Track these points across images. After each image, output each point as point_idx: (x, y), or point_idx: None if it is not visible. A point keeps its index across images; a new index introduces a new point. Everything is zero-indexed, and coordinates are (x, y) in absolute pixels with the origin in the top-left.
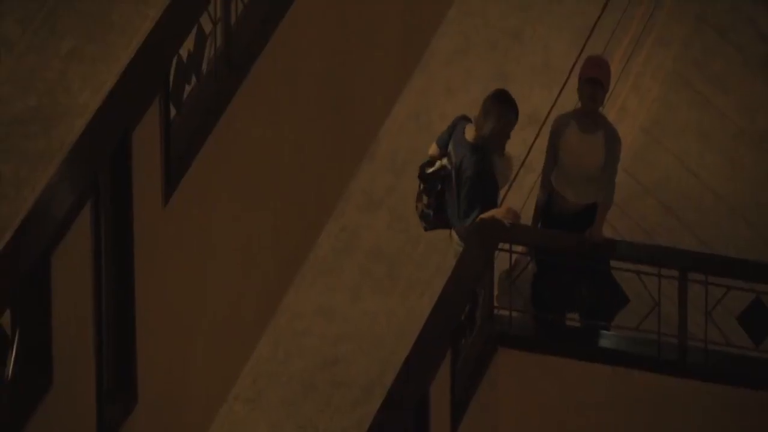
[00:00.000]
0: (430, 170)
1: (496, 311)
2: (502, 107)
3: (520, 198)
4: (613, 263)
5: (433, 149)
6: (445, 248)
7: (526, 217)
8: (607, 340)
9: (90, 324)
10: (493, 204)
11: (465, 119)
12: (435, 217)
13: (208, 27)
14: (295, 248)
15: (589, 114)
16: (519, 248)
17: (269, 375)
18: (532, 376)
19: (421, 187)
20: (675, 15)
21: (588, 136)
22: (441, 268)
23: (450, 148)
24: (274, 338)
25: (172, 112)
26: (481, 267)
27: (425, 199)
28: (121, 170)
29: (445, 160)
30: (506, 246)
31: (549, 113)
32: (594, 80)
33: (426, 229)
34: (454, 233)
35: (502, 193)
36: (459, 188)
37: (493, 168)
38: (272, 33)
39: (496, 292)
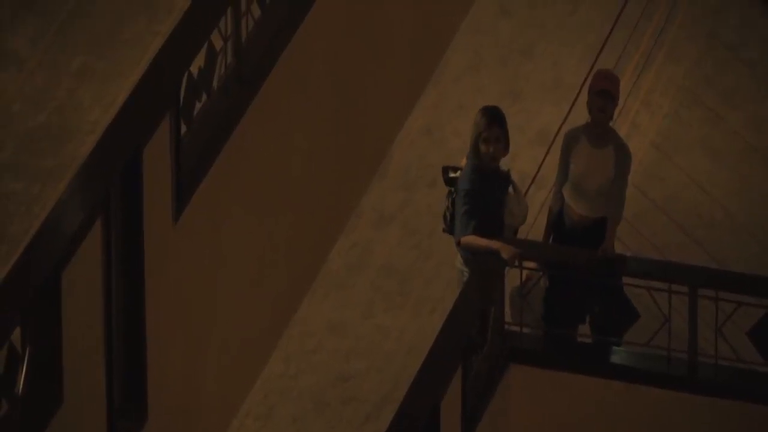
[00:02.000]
0: (452, 175)
1: (507, 327)
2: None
3: (531, 214)
4: (624, 279)
5: (463, 161)
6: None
7: (538, 234)
8: (617, 355)
9: (101, 340)
10: (493, 227)
11: None
12: (451, 223)
13: (218, 44)
14: (307, 264)
15: (600, 128)
16: (530, 264)
17: (280, 391)
18: (542, 392)
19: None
20: (686, 31)
21: (598, 150)
22: (452, 284)
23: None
24: (285, 354)
25: (183, 128)
26: (492, 282)
27: (447, 201)
28: (132, 187)
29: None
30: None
31: (559, 130)
32: (604, 92)
33: (444, 231)
34: (459, 255)
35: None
36: (456, 208)
37: (502, 193)
38: (283, 49)
39: (507, 308)
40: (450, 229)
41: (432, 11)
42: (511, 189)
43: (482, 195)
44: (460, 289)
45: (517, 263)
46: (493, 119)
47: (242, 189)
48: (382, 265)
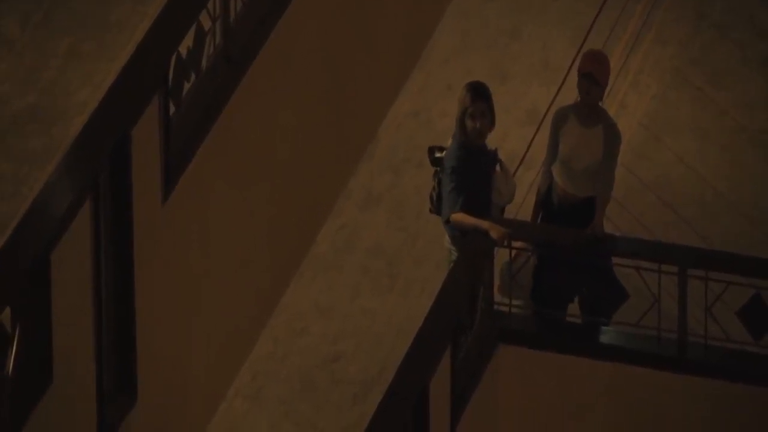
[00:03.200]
0: (438, 155)
1: (496, 307)
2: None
3: (519, 194)
4: (613, 259)
5: (450, 142)
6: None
7: (526, 214)
8: (607, 336)
9: (90, 322)
10: (480, 205)
11: None
12: (438, 203)
13: (207, 24)
14: (295, 246)
15: (589, 107)
16: (519, 244)
17: (268, 372)
18: (532, 372)
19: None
20: (674, 12)
21: (587, 129)
22: (440, 265)
23: None
24: (273, 336)
25: (172, 109)
26: (481, 262)
27: (433, 181)
28: (121, 168)
29: None
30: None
31: (547, 111)
32: (587, 75)
33: (431, 211)
34: (446, 235)
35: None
36: (442, 185)
37: (482, 168)
38: (271, 30)
39: (497, 284)
40: (437, 209)
41: None
42: (498, 167)
43: (469, 172)
44: (448, 268)
45: (506, 243)
46: (478, 94)
47: (230, 170)
48: (370, 246)
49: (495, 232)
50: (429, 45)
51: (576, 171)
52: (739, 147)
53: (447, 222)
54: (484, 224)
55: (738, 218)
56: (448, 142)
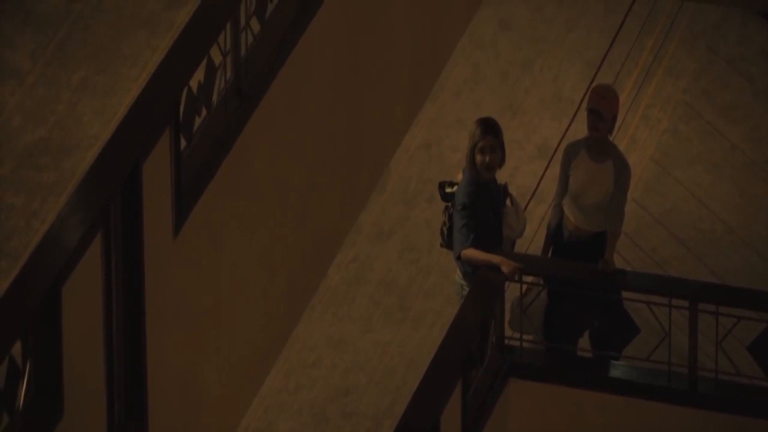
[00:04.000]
0: (449, 190)
1: (506, 341)
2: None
3: (530, 229)
4: (624, 293)
5: (459, 176)
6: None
7: (537, 248)
8: (617, 370)
9: (101, 354)
10: (491, 240)
11: None
12: (449, 238)
13: (218, 58)
14: (306, 279)
15: (598, 142)
16: (530, 278)
17: (280, 406)
18: (542, 406)
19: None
20: (685, 46)
21: (597, 164)
22: (451, 299)
23: None
24: (285, 369)
25: (183, 143)
26: (492, 297)
27: (444, 216)
28: (132, 201)
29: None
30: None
31: (559, 144)
32: (592, 111)
33: (442, 246)
34: (458, 270)
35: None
36: (453, 222)
37: (500, 204)
38: (282, 64)
39: (507, 319)
40: (448, 243)
41: (431, 26)
42: (508, 202)
43: (480, 208)
44: (459, 303)
45: (517, 277)
46: (488, 129)
47: (242, 204)
48: (381, 279)
49: (506, 266)
50: (441, 77)
51: (586, 206)
52: (749, 181)
53: (458, 258)
54: (495, 259)
55: (749, 252)
56: (459, 177)
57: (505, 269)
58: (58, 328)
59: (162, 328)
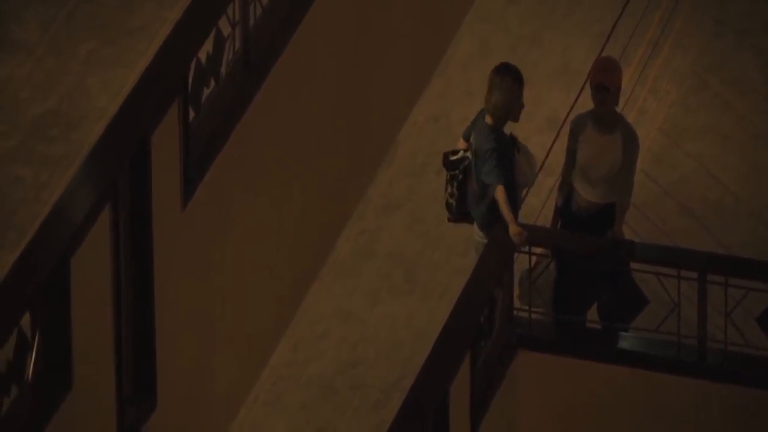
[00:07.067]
0: (453, 158)
1: (515, 313)
2: (501, 78)
3: (539, 201)
4: (633, 265)
5: (461, 143)
6: (464, 250)
7: (546, 220)
8: (626, 341)
9: (110, 326)
10: (512, 189)
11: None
12: (458, 208)
13: (226, 30)
14: (315, 251)
15: (607, 115)
16: (539, 250)
17: (288, 378)
18: (551, 378)
19: (448, 176)
20: (693, 19)
21: (605, 136)
22: (460, 271)
23: (471, 138)
24: (293, 341)
25: (191, 115)
26: (501, 269)
27: (449, 188)
28: (140, 173)
29: (468, 152)
30: (526, 247)
31: (567, 116)
32: (600, 86)
33: (449, 220)
34: (476, 227)
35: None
36: (477, 169)
37: (511, 154)
38: (291, 36)
39: (516, 293)
40: (456, 217)
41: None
42: (516, 151)
43: (504, 155)
44: (476, 257)
45: (526, 248)
46: (522, 82)
47: (250, 175)
48: (389, 252)
49: (513, 228)
50: (448, 51)
51: (595, 178)
52: (758, 152)
53: (487, 197)
54: (509, 216)
55: (758, 224)
56: (460, 144)
57: (511, 230)
58: (67, 301)
59: (170, 300)
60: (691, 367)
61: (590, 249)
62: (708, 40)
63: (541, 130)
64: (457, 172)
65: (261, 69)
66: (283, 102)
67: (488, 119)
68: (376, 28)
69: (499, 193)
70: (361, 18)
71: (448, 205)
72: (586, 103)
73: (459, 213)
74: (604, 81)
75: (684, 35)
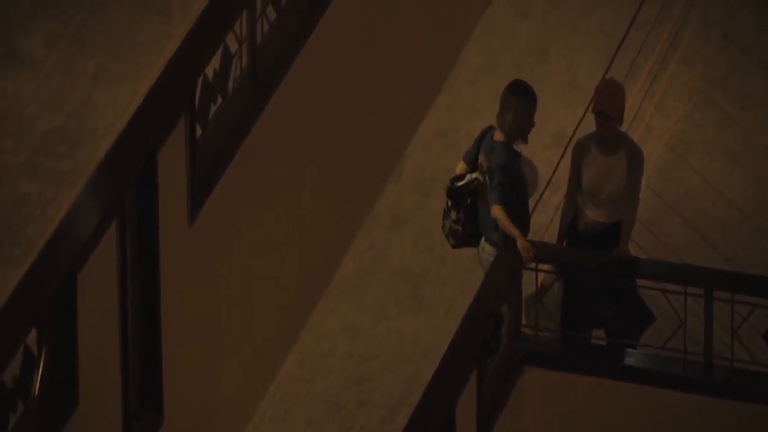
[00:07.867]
0: (460, 183)
1: (521, 330)
2: (516, 97)
3: (545, 217)
4: (639, 281)
5: (460, 167)
6: (471, 267)
7: (552, 237)
8: (633, 358)
9: (116, 342)
10: (524, 206)
11: (491, 128)
12: (464, 231)
13: (233, 46)
14: (321, 267)
15: (609, 137)
16: (546, 267)
17: (295, 394)
18: (558, 395)
19: (449, 203)
20: (700, 34)
21: (609, 157)
22: (467, 287)
23: (480, 159)
24: (300, 357)
25: (198, 131)
26: (507, 285)
27: (454, 214)
28: (147, 189)
29: (475, 174)
30: (533, 264)
31: (574, 132)
32: (599, 113)
33: (454, 246)
34: (484, 243)
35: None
36: (491, 186)
37: (520, 169)
38: (298, 51)
39: (523, 307)
40: (461, 242)
41: (447, 14)
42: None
43: (517, 172)
44: (484, 272)
45: (532, 266)
46: (536, 101)
47: (257, 192)
48: (396, 268)
49: (521, 242)
50: (456, 65)
51: (601, 199)
52: (764, 168)
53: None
54: (515, 231)
55: (763, 239)
56: (459, 168)
57: (519, 244)
58: (74, 317)
59: (177, 316)
60: (697, 383)
61: (596, 265)
62: (715, 55)
63: (547, 146)
64: (464, 195)
65: (268, 85)
66: (290, 118)
67: (498, 136)
68: (383, 43)
69: (496, 212)
70: (368, 33)
71: (452, 232)
72: (593, 120)
73: (465, 237)
74: (605, 109)
75: (691, 50)
